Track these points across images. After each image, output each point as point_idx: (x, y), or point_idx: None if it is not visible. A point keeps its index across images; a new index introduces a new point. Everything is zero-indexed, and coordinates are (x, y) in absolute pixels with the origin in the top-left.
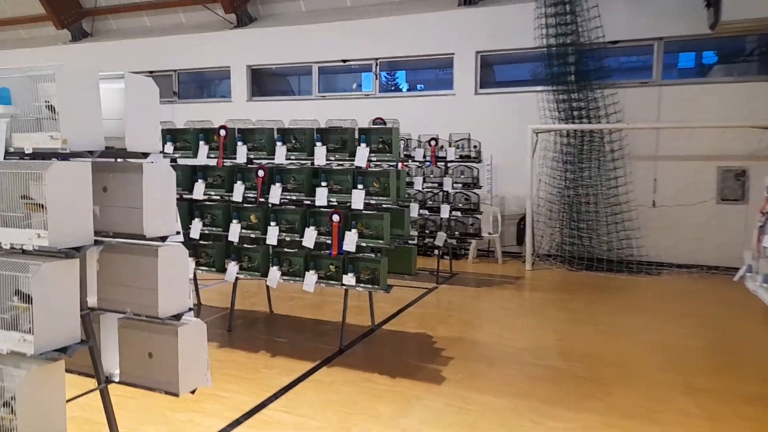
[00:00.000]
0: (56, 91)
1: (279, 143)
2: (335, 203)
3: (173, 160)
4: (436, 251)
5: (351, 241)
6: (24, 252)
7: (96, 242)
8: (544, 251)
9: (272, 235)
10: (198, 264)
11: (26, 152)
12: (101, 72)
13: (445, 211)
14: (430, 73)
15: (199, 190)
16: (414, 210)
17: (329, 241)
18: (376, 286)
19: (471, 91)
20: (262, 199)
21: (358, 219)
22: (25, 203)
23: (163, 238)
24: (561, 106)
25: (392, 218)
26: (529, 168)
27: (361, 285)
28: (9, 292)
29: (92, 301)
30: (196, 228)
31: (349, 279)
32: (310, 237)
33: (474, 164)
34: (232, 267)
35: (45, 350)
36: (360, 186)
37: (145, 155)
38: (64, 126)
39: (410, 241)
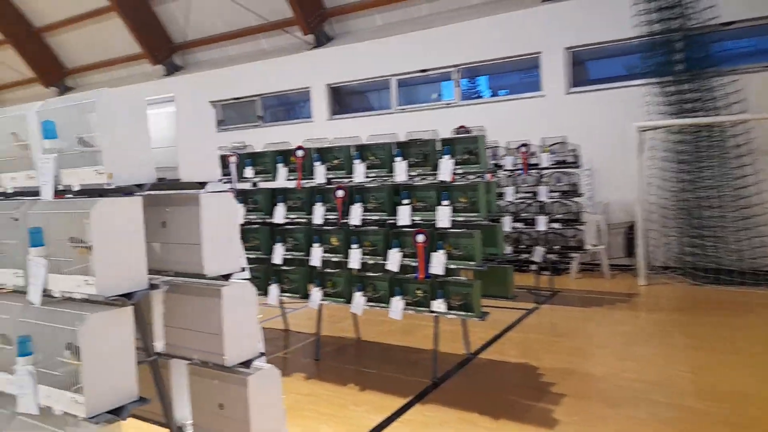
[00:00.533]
0: (98, 121)
1: (357, 161)
2: (419, 222)
3: (254, 184)
4: (533, 267)
5: (438, 263)
6: (76, 300)
7: (152, 285)
8: (660, 263)
9: (354, 258)
10: (282, 290)
11: (74, 189)
12: (149, 96)
13: (541, 223)
14: (514, 77)
15: (279, 214)
16: (507, 223)
17: (415, 264)
18: (470, 313)
19: (561, 91)
20: (343, 221)
21: (445, 238)
22: (74, 246)
23: (227, 276)
24: (670, 99)
25: (484, 236)
26: (636, 170)
27: (453, 312)
28: (60, 347)
29: (161, 345)
30: (279, 253)
31: (438, 305)
32: (394, 259)
33: (572, 170)
34: (316, 293)
35: (97, 413)
36: (445, 202)
37: (202, 185)
38: (109, 159)
39: (505, 259)
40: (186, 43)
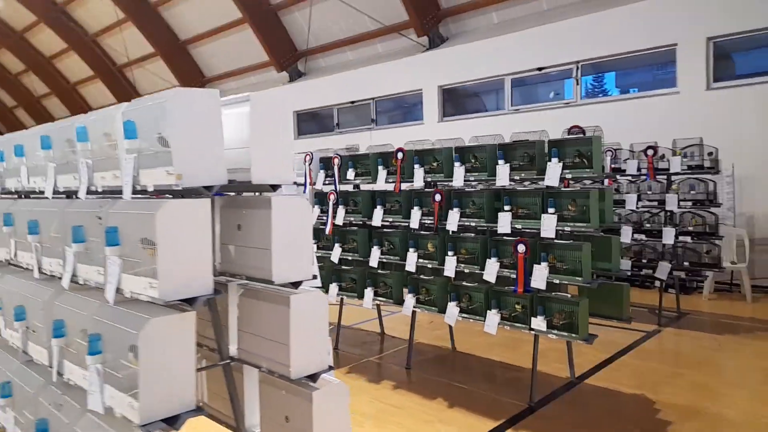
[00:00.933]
0: (169, 121)
1: (457, 163)
2: (521, 230)
3: (356, 186)
4: (657, 283)
5: (540, 276)
6: (144, 302)
7: (217, 291)
8: None
9: (450, 266)
10: (376, 294)
11: (149, 189)
12: (225, 97)
13: (669, 236)
14: (645, 74)
15: (377, 217)
16: (626, 234)
17: (514, 276)
18: (574, 335)
19: (701, 87)
20: (439, 226)
21: (549, 250)
22: (144, 247)
23: (297, 284)
24: None
25: (595, 248)
26: None
27: (555, 332)
28: (125, 348)
29: (234, 349)
30: (375, 256)
31: (538, 323)
32: (491, 269)
33: (709, 176)
34: (410, 299)
35: (150, 420)
36: (551, 210)
37: (274, 188)
38: (178, 159)
39: (622, 275)
40: (309, 50)
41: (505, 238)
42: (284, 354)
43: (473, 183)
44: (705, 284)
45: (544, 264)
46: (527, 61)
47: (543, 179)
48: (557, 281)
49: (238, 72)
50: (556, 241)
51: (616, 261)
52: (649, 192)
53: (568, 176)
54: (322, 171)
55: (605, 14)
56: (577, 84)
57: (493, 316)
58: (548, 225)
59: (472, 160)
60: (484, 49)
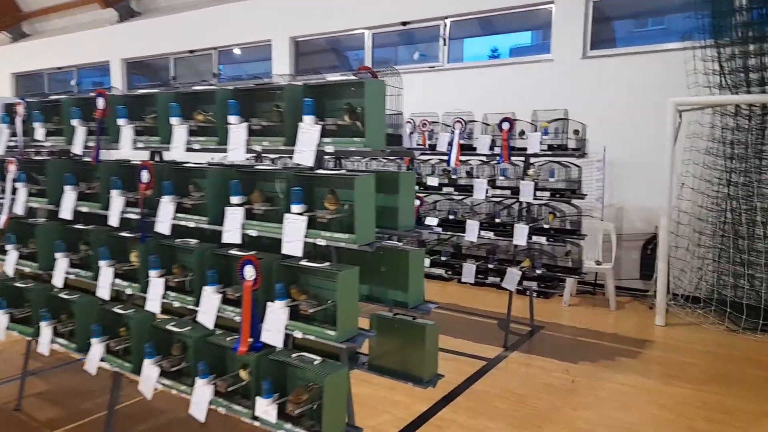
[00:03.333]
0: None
1: (175, 120)
2: (260, 239)
3: (58, 152)
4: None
5: (276, 324)
6: None
7: None
8: (685, 291)
9: (154, 293)
10: (56, 333)
11: None
12: None
13: (520, 235)
14: (524, 37)
15: (67, 205)
16: (472, 231)
17: (239, 319)
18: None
19: (577, 54)
20: (146, 225)
21: (293, 277)
22: None
23: None
24: (728, 67)
25: (384, 271)
26: (667, 164)
27: (289, 427)
28: None
29: None
30: (60, 269)
31: (265, 409)
32: (208, 306)
33: (573, 159)
34: (96, 347)
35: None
36: (296, 207)
37: None
38: None
39: (424, 310)
40: None
41: (232, 253)
42: None
43: (200, 152)
44: (565, 289)
45: (280, 303)
46: (390, 15)
47: (293, 152)
48: (300, 334)
49: (62, 7)
50: (304, 263)
51: (416, 291)
52: (502, 178)
53: (328, 148)
54: (5, 126)
55: None
56: (445, 45)
57: (201, 389)
58: (292, 233)
59: (202, 116)
60: None
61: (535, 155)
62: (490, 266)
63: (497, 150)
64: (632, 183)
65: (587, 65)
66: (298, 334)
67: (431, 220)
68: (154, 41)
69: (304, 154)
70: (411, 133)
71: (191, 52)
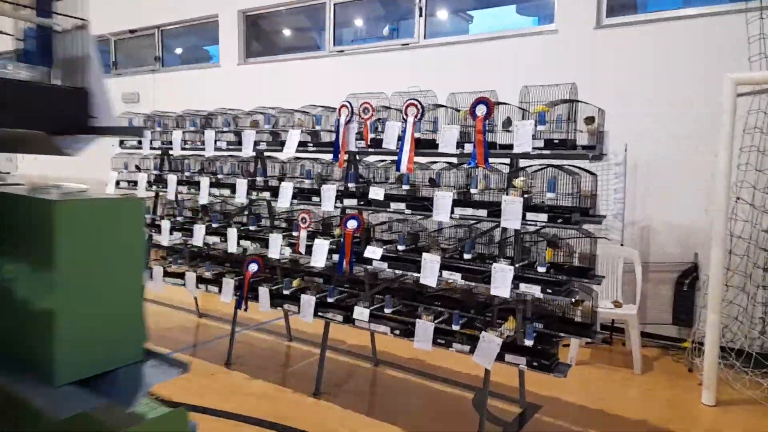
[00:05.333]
0: None
1: None
2: None
3: None
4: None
5: None
6: None
7: None
8: (737, 345)
9: None
10: None
11: None
12: None
13: (501, 283)
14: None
15: None
16: (430, 271)
17: None
18: None
19: (589, 23)
20: None
21: None
22: None
23: None
24: None
25: None
26: (724, 168)
27: None
28: None
29: None
30: None
31: None
32: None
33: (584, 163)
34: None
35: None
36: None
37: None
38: None
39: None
40: None
41: None
42: None
43: None
44: (570, 348)
45: None
46: None
47: None
48: None
49: None
50: None
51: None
52: (475, 191)
53: None
54: None
55: None
56: (421, 16)
57: None
58: None
59: None
60: None
61: (526, 156)
62: (456, 327)
63: (469, 148)
64: (663, 194)
65: (602, 37)
66: None
67: (373, 252)
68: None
69: None
70: (348, 122)
71: (132, 32)
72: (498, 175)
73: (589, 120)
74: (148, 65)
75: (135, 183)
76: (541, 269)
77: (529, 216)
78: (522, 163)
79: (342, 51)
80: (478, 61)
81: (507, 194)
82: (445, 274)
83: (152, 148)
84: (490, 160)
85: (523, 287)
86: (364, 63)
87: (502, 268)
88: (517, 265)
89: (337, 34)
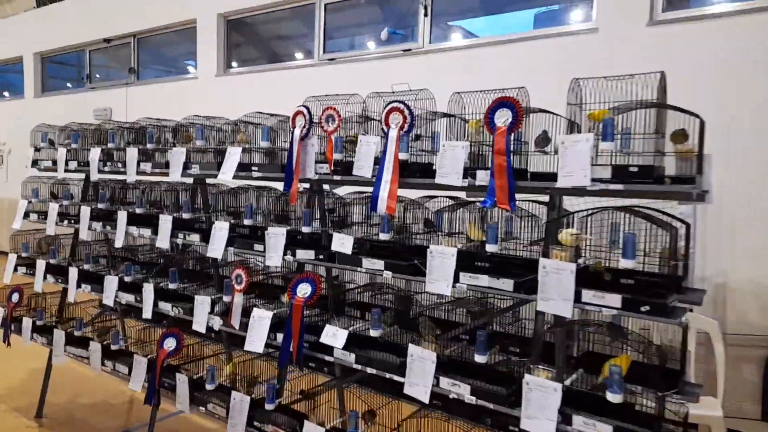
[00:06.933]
0: None
1: None
2: None
3: None
4: None
5: None
6: None
7: None
8: None
9: None
10: None
11: None
12: None
13: (540, 417)
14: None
15: None
16: (420, 377)
17: None
18: None
19: (641, 20)
20: None
21: None
22: None
23: None
24: None
25: None
26: None
27: None
28: None
29: None
30: None
31: None
32: None
33: (668, 206)
34: None
35: None
36: None
37: None
38: None
39: None
40: None
41: None
42: None
43: None
44: None
45: None
46: None
47: None
48: None
49: None
50: None
51: None
52: (493, 247)
53: None
54: None
55: None
56: (426, 16)
57: None
58: None
59: None
60: None
61: (581, 192)
62: None
63: (484, 178)
64: (743, 239)
65: (656, 36)
66: None
67: (333, 335)
68: (69, 30)
69: None
70: (305, 136)
71: (107, 41)
72: (530, 222)
73: (679, 136)
74: (124, 78)
75: (45, 215)
76: (614, 398)
77: (588, 296)
78: (567, 201)
79: (333, 59)
80: (496, 67)
81: (547, 255)
82: (445, 383)
83: (68, 170)
84: (518, 197)
85: (580, 424)
86: (358, 72)
87: (541, 384)
88: (566, 382)
89: (330, 41)
